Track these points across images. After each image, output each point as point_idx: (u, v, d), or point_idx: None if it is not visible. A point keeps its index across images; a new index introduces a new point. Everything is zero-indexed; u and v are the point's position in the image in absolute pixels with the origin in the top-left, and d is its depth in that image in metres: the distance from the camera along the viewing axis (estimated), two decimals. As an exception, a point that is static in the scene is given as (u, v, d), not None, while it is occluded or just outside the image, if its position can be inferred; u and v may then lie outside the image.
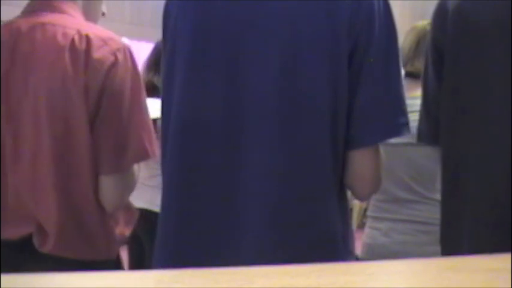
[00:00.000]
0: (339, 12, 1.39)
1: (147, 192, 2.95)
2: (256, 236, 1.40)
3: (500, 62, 1.48)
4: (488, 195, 1.49)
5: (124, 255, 3.13)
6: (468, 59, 1.54)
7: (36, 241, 1.70)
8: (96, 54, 1.69)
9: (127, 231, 1.83)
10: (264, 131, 1.40)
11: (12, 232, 1.70)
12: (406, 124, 1.45)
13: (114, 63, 1.70)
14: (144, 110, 1.77)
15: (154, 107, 2.87)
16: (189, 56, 1.45)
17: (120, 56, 1.71)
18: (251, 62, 1.41)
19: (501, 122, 1.48)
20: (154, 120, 2.88)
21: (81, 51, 1.69)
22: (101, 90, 1.69)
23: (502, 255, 0.93)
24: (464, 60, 1.55)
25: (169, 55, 1.50)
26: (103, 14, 1.92)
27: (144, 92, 1.78)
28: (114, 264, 1.80)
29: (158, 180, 2.84)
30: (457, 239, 1.56)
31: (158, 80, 2.98)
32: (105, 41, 1.72)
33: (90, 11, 1.85)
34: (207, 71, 1.44)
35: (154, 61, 3.06)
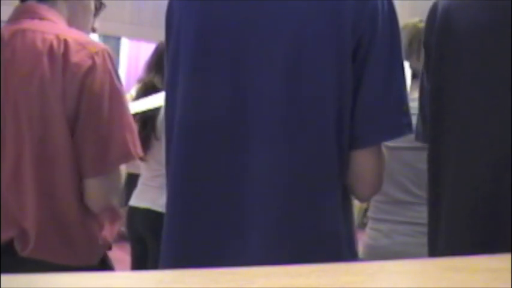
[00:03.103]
0: (343, 12, 1.38)
1: (150, 193, 2.96)
2: (262, 237, 1.40)
3: (479, 63, 1.48)
4: (463, 195, 1.49)
5: (127, 255, 3.14)
6: (450, 60, 1.54)
7: (17, 245, 1.70)
8: (74, 58, 1.70)
9: (110, 236, 1.82)
10: (269, 131, 1.40)
11: None
12: (409, 124, 1.45)
13: (92, 67, 1.71)
14: (125, 111, 1.78)
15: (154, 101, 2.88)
16: (193, 56, 1.45)
17: (98, 60, 1.72)
18: (255, 62, 1.41)
19: (481, 124, 1.48)
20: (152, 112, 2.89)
21: (59, 56, 1.70)
22: (79, 94, 1.70)
23: (502, 255, 0.93)
24: (446, 60, 1.56)
25: (172, 56, 1.49)
26: (94, 29, 1.93)
27: (124, 94, 1.80)
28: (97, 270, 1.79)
29: (160, 181, 2.85)
30: (437, 236, 1.57)
31: (158, 81, 2.98)
32: (83, 45, 1.73)
33: (77, 23, 1.85)
34: (211, 72, 1.43)
35: (155, 62, 3.07)
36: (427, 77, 1.65)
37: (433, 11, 1.61)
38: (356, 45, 1.39)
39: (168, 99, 1.52)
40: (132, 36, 8.74)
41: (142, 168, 3.07)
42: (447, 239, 1.52)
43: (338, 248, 1.41)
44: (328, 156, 1.40)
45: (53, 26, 1.77)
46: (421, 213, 2.28)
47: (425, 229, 2.25)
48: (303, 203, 1.40)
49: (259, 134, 1.40)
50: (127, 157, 1.78)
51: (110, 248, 1.84)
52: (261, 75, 1.40)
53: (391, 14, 1.44)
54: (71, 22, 1.85)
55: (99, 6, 1.94)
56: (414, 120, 1.78)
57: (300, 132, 1.39)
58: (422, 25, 2.36)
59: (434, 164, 1.61)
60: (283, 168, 1.40)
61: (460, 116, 1.51)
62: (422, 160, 2.26)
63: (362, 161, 1.44)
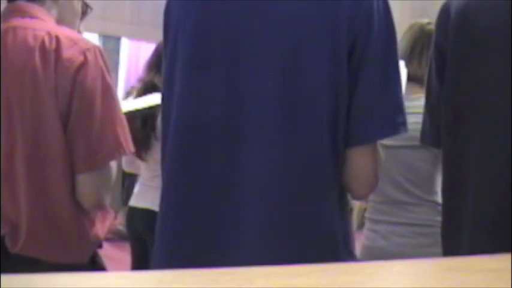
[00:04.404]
0: (339, 12, 1.39)
1: (149, 193, 2.96)
2: (256, 236, 1.40)
3: (500, 65, 1.47)
4: (487, 197, 1.49)
5: (127, 255, 3.14)
6: (468, 62, 1.54)
7: (8, 242, 1.70)
8: (66, 53, 1.71)
9: (101, 234, 1.82)
10: (264, 131, 1.40)
11: None
12: (404, 123, 1.45)
13: (84, 63, 1.71)
14: (117, 107, 1.79)
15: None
16: (190, 55, 1.46)
17: (89, 56, 1.73)
18: (252, 61, 1.41)
19: (501, 125, 1.48)
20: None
21: (51, 51, 1.70)
22: (71, 89, 1.70)
23: (502, 255, 0.93)
24: (464, 63, 1.55)
25: (170, 55, 1.50)
26: (80, 32, 1.94)
27: (115, 90, 1.80)
28: (88, 268, 1.79)
29: (160, 181, 2.85)
30: (457, 239, 1.56)
31: (159, 80, 2.98)
32: (74, 41, 1.74)
33: (65, 24, 1.86)
34: (207, 71, 1.44)
35: (155, 61, 3.07)
36: (439, 82, 1.63)
37: (444, 11, 1.60)
38: (352, 45, 1.40)
39: (164, 97, 1.53)
40: (132, 36, 8.74)
41: (141, 169, 3.07)
42: (471, 245, 1.51)
43: (334, 247, 1.42)
44: (324, 155, 1.40)
45: (44, 24, 1.78)
46: (419, 214, 2.28)
47: (422, 230, 2.26)
48: (299, 202, 1.40)
49: (256, 133, 1.40)
50: (119, 152, 1.79)
51: (100, 246, 1.84)
52: (258, 75, 1.41)
53: (387, 14, 1.44)
54: (59, 23, 1.85)
55: (85, 10, 1.95)
56: (408, 119, 1.78)
57: (296, 132, 1.40)
58: (430, 28, 2.30)
59: (451, 170, 1.60)
60: (279, 167, 1.40)
61: (482, 121, 1.50)
62: (420, 159, 2.26)
63: (357, 159, 1.44)
